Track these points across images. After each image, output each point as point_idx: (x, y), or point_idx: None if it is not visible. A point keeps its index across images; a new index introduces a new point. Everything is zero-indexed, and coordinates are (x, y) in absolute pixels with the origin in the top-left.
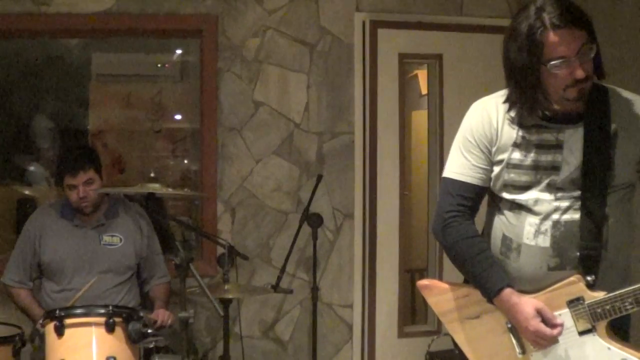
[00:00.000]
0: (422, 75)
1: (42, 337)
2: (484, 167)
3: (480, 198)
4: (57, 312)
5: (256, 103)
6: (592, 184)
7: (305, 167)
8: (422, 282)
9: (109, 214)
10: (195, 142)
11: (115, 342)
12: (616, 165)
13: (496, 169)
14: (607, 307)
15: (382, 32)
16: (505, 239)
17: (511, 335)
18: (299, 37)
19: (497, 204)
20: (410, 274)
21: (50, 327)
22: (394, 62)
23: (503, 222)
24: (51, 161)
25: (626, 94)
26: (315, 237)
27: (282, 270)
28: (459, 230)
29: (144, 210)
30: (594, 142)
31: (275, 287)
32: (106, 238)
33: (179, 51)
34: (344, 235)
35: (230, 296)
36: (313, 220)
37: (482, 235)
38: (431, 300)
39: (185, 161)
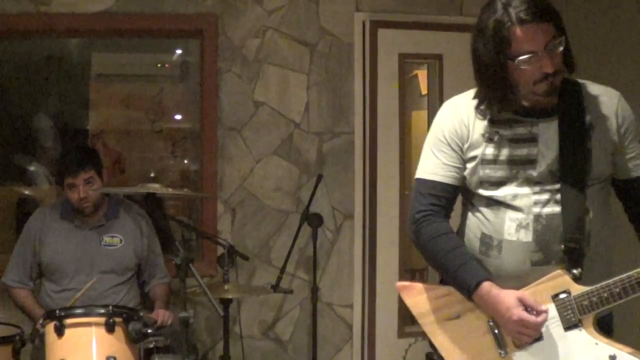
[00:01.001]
0: (422, 75)
1: (42, 337)
2: (455, 165)
3: (453, 198)
4: (57, 312)
5: (256, 103)
6: (571, 176)
7: (305, 167)
8: (401, 283)
9: (109, 214)
10: (195, 142)
11: (115, 342)
12: (593, 156)
13: (469, 166)
14: (594, 298)
15: (382, 32)
16: (484, 237)
17: (493, 334)
18: (299, 37)
19: (472, 203)
20: (410, 274)
21: (50, 327)
22: (394, 62)
23: (480, 221)
24: (52, 161)
25: (597, 87)
26: (315, 237)
27: (282, 270)
28: (432, 229)
29: (144, 210)
30: (569, 134)
31: (275, 287)
32: (106, 239)
33: (179, 51)
34: (344, 235)
35: (230, 296)
36: (313, 220)
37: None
38: (409, 302)
39: (185, 161)
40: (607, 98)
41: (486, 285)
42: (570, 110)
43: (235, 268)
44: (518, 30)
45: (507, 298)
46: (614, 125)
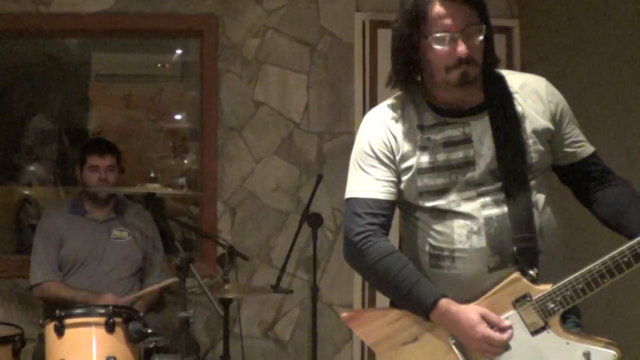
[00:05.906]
0: None
1: (42, 337)
2: (388, 179)
3: (390, 214)
4: (57, 312)
5: (256, 103)
6: (511, 172)
7: (305, 167)
8: (347, 315)
9: (118, 209)
10: (195, 142)
11: (115, 342)
12: (531, 148)
13: (405, 178)
14: (558, 298)
15: (382, 32)
16: (433, 249)
17: (457, 352)
18: (299, 37)
19: (414, 216)
20: None
21: (50, 327)
22: None
23: (427, 233)
24: (51, 161)
25: (520, 75)
26: (315, 237)
27: (282, 270)
28: (374, 250)
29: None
30: (502, 128)
31: (275, 287)
32: (115, 232)
33: (179, 51)
34: None
35: (230, 296)
36: (313, 220)
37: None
38: (360, 332)
39: (185, 161)
40: (534, 85)
41: (444, 303)
42: (499, 102)
43: (235, 268)
44: (437, 6)
45: (469, 315)
46: (547, 112)
